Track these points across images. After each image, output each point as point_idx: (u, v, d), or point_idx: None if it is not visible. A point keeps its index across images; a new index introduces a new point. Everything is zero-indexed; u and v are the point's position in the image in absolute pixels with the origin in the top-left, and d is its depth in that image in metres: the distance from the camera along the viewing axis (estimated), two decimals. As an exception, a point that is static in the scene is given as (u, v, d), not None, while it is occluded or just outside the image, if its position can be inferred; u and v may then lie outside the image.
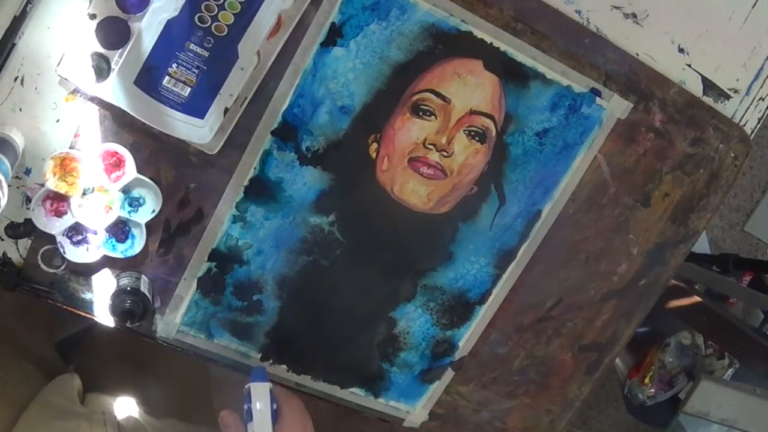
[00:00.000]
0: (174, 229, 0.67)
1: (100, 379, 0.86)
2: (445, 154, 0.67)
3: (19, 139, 0.60)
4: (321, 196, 0.68)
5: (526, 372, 0.81)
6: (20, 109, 0.60)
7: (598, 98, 0.69)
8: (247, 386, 0.64)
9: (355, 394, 0.79)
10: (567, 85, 0.68)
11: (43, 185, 0.61)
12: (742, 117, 0.75)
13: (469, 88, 0.65)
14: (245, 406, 0.63)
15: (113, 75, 0.58)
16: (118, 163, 0.62)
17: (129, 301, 0.63)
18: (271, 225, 0.68)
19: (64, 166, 0.61)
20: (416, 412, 0.81)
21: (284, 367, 0.75)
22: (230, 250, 0.68)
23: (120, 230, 0.65)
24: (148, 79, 0.59)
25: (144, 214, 0.64)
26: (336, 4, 0.61)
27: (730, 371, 1.83)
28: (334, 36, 0.62)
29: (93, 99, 0.60)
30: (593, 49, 0.68)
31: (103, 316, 0.68)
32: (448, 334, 0.77)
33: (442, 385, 0.80)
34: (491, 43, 0.65)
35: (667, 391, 1.83)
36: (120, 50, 0.58)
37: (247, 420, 0.63)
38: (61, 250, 0.63)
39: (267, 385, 0.64)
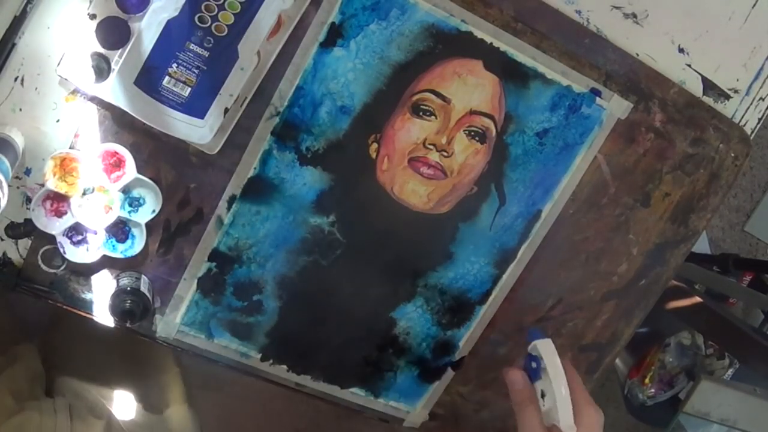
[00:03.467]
0: (174, 229, 0.67)
1: (67, 360, 0.80)
2: (445, 154, 0.67)
3: (19, 139, 0.60)
4: (321, 197, 0.68)
5: (526, 372, 0.81)
6: (20, 109, 0.60)
7: (598, 98, 0.69)
8: (532, 344, 0.63)
9: (355, 394, 0.79)
10: (567, 85, 0.68)
11: (43, 185, 0.61)
12: (742, 117, 0.75)
13: (469, 88, 0.65)
14: (532, 365, 0.63)
15: (113, 75, 0.58)
16: (118, 163, 0.62)
17: (129, 301, 0.63)
18: (271, 225, 0.68)
19: (64, 166, 0.60)
20: (416, 412, 0.81)
21: (284, 367, 0.75)
22: (230, 250, 0.68)
23: (120, 230, 0.65)
24: (148, 79, 0.59)
25: (144, 214, 0.64)
26: (336, 4, 0.61)
27: (730, 371, 1.83)
28: (334, 36, 0.62)
29: (93, 99, 0.60)
30: (593, 49, 0.68)
31: (103, 316, 0.68)
32: (448, 334, 0.77)
33: (442, 385, 0.80)
34: (491, 43, 0.65)
35: (667, 391, 1.83)
36: (120, 50, 0.58)
37: (534, 378, 0.63)
38: (61, 250, 0.63)
39: (549, 341, 0.63)
